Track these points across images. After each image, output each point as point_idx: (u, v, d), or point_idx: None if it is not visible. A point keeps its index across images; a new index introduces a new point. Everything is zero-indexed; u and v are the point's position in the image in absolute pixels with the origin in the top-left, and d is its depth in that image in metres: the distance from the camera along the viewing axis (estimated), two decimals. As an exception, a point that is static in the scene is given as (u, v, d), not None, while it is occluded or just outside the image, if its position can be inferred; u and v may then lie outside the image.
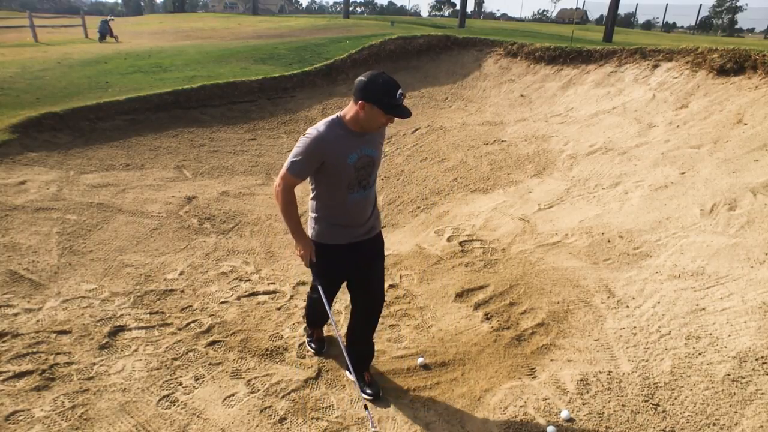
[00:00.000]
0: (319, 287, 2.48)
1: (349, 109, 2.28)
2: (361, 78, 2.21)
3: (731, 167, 4.77)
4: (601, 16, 34.76)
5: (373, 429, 2.41)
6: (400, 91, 2.22)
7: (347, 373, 2.87)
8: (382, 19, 24.09)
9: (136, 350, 3.01)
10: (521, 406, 2.58)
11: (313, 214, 2.48)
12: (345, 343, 2.69)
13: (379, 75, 2.21)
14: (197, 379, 2.80)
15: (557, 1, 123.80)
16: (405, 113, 2.22)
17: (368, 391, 2.71)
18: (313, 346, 3.13)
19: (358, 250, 2.51)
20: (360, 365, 2.75)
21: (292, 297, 3.69)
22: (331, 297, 2.69)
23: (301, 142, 2.27)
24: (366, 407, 2.37)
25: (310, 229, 2.53)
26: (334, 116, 2.34)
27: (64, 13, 48.22)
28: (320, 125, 2.28)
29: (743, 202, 4.19)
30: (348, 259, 2.52)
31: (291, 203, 2.36)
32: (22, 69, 9.72)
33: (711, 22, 54.73)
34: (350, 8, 32.71)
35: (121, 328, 3.19)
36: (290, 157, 2.29)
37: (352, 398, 2.73)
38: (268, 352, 3.06)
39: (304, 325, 3.24)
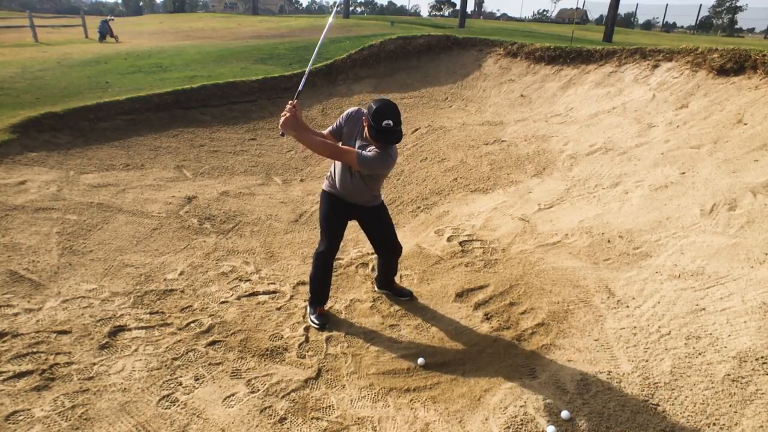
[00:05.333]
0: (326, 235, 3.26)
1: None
2: (369, 105, 2.82)
3: (731, 167, 4.77)
4: (601, 16, 34.76)
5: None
6: (386, 121, 2.74)
7: (377, 289, 3.79)
8: (382, 19, 24.08)
9: (136, 350, 3.01)
10: (521, 406, 2.58)
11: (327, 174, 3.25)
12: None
13: (378, 106, 2.78)
14: (197, 379, 2.80)
15: (557, 1, 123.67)
16: (384, 140, 2.81)
17: (404, 294, 3.70)
18: (316, 322, 3.32)
19: (353, 209, 3.24)
20: (390, 282, 3.70)
21: (292, 297, 3.69)
22: (337, 240, 3.30)
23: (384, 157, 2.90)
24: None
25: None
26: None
27: (64, 13, 48.24)
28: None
29: (743, 202, 4.19)
30: (337, 206, 3.21)
31: (329, 153, 2.95)
32: (22, 69, 9.72)
33: (711, 22, 54.70)
34: (350, 8, 32.71)
35: (121, 328, 3.19)
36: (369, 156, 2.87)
37: (352, 398, 2.73)
38: (268, 352, 3.06)
39: (306, 304, 3.52)
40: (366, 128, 2.90)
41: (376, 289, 3.79)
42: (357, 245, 4.48)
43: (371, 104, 2.81)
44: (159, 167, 6.04)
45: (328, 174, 3.25)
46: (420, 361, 3.00)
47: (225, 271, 4.02)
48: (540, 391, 2.69)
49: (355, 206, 3.24)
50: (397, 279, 3.96)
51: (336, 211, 3.24)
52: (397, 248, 3.46)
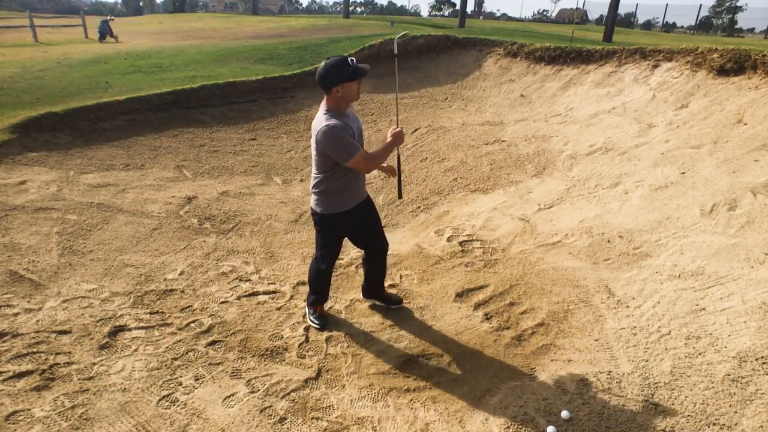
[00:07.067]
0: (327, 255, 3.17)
1: (330, 100, 2.75)
2: (320, 74, 2.70)
3: (731, 167, 4.77)
4: (601, 16, 34.78)
5: None
6: (348, 60, 2.68)
7: (365, 298, 3.59)
8: (382, 19, 24.09)
9: (136, 350, 3.01)
10: (521, 406, 2.58)
11: (323, 193, 2.93)
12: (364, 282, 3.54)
13: (329, 63, 2.68)
14: (197, 379, 2.80)
15: (557, 1, 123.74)
16: (364, 70, 2.73)
17: (393, 302, 3.54)
18: (316, 322, 3.32)
19: (358, 212, 3.07)
20: (380, 290, 3.53)
21: (292, 297, 3.69)
22: (337, 254, 3.28)
23: (337, 136, 2.68)
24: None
25: (318, 206, 2.97)
26: (324, 112, 2.75)
27: (64, 13, 48.22)
28: (330, 120, 2.69)
29: (743, 202, 4.19)
30: (350, 220, 3.07)
31: (370, 155, 2.83)
32: (22, 69, 9.72)
33: (711, 22, 54.69)
34: (350, 8, 32.72)
35: (121, 328, 3.19)
36: (344, 149, 2.71)
37: (352, 398, 2.73)
38: (268, 352, 3.06)
39: (305, 305, 3.51)
40: (341, 90, 2.68)
41: (363, 297, 3.61)
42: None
43: (326, 71, 2.67)
44: (159, 167, 6.04)
45: (338, 191, 2.93)
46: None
47: (225, 271, 4.02)
48: (540, 391, 2.69)
49: (361, 204, 3.11)
50: (397, 279, 3.96)
51: (345, 230, 3.16)
52: (386, 242, 3.37)
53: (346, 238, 3.28)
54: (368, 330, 3.34)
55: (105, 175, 5.57)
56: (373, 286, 3.52)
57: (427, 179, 6.17)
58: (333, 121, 2.67)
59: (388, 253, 3.54)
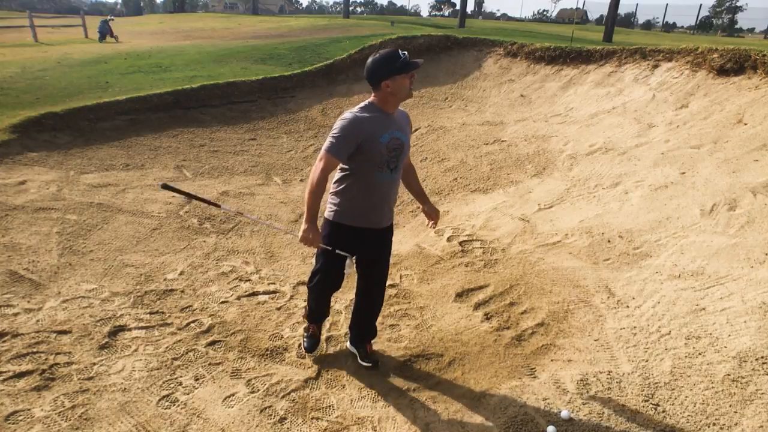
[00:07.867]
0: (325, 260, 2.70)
1: (377, 96, 2.45)
2: (368, 67, 2.40)
3: (731, 167, 4.77)
4: (601, 16, 34.75)
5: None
6: (399, 52, 2.39)
7: (348, 344, 3.09)
8: (382, 19, 24.10)
9: (136, 350, 3.01)
10: (521, 406, 2.58)
11: (336, 196, 2.58)
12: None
13: (378, 55, 2.41)
14: (197, 379, 2.80)
15: (557, 1, 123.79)
16: (417, 63, 2.41)
17: (367, 359, 2.92)
18: (305, 343, 3.03)
19: (368, 237, 2.63)
20: (361, 341, 2.99)
21: (292, 297, 3.69)
22: (326, 275, 2.75)
23: (338, 124, 2.38)
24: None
25: (330, 208, 2.62)
26: (367, 101, 2.49)
27: (64, 13, 48.21)
28: (356, 108, 2.45)
29: (743, 202, 4.19)
30: (357, 241, 2.62)
31: (320, 186, 2.38)
32: (22, 69, 9.72)
33: (711, 22, 54.71)
34: (350, 8, 32.71)
35: (121, 328, 3.19)
36: (332, 138, 2.37)
37: (352, 398, 2.73)
38: (268, 352, 3.06)
39: (305, 324, 3.15)
40: (391, 85, 2.38)
41: (347, 344, 3.11)
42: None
43: (375, 65, 2.38)
44: (159, 167, 6.04)
45: (342, 196, 2.56)
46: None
47: (225, 271, 4.02)
48: (540, 391, 2.69)
49: (372, 232, 2.63)
50: (397, 279, 3.96)
51: (340, 248, 2.64)
52: (384, 291, 2.93)
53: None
54: (368, 330, 3.34)
55: (105, 175, 5.57)
56: (363, 334, 2.99)
57: (427, 179, 6.17)
58: (355, 112, 2.41)
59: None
